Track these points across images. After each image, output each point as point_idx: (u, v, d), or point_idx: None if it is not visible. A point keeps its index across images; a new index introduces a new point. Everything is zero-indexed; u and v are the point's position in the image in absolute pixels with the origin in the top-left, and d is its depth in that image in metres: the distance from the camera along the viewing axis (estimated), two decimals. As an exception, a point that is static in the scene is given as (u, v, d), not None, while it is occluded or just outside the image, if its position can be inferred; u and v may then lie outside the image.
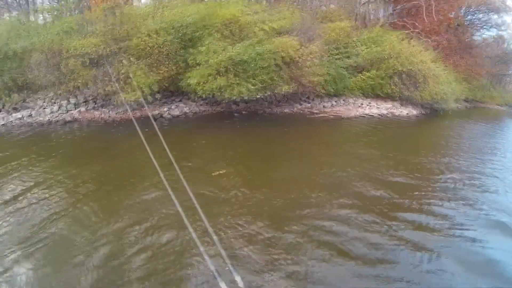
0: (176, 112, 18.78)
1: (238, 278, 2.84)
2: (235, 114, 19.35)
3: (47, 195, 9.05)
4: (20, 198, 8.93)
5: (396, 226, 7.51)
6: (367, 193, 9.31)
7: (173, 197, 4.20)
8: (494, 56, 40.45)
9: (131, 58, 17.85)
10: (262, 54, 17.38)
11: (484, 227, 7.74)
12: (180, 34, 18.17)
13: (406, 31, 26.02)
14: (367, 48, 22.58)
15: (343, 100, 22.31)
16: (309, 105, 21.25)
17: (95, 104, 18.95)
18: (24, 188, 9.53)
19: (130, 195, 9.04)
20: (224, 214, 7.84)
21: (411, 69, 21.81)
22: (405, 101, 23.38)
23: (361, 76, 22.23)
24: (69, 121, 17.67)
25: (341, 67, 21.37)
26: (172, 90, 19.45)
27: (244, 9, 19.22)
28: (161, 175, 4.59)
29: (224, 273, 5.06)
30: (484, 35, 39.03)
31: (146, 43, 17.53)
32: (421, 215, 8.18)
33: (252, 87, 17.33)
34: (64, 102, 18.82)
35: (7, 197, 8.97)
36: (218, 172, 10.15)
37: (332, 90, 21.06)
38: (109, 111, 18.42)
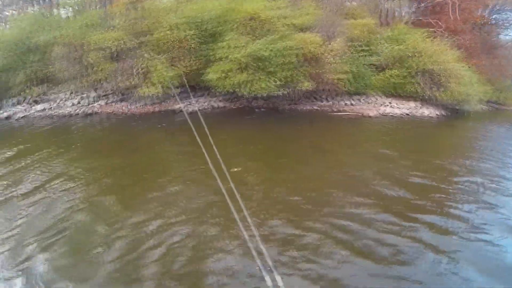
0: (196, 107, 18.67)
1: (278, 277, 2.67)
2: (256, 110, 19.22)
3: (67, 187, 9.09)
4: (41, 189, 9.00)
5: (414, 227, 7.36)
6: (386, 192, 9.12)
7: (220, 184, 4.08)
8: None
9: (151, 53, 17.87)
10: (282, 51, 17.16)
11: (503, 232, 7.48)
12: (201, 30, 18.12)
13: (431, 29, 25.47)
14: (390, 45, 22.15)
15: (364, 98, 21.88)
16: (330, 102, 20.91)
17: (116, 97, 19.04)
18: (44, 179, 9.61)
19: (149, 188, 9.01)
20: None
21: (434, 68, 21.31)
22: (426, 101, 22.83)
23: (384, 74, 21.82)
24: (90, 114, 17.82)
25: (363, 64, 21.01)
26: (192, 85, 19.40)
27: (267, 4, 19.00)
28: (210, 164, 4.45)
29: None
30: (510, 35, 37.92)
31: (168, 37, 17.50)
32: (440, 217, 7.98)
33: (273, 83, 17.12)
34: (84, 95, 18.99)
35: (28, 189, 9.05)
36: (236, 169, 10.01)
37: (353, 88, 20.71)
38: (129, 105, 18.48)
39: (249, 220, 3.54)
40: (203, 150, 5.14)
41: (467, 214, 8.23)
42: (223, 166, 4.38)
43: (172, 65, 17.71)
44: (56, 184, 9.28)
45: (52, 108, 18.35)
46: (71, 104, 18.57)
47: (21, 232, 6.95)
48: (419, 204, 8.61)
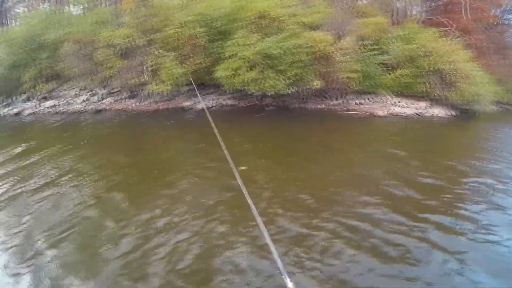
0: (204, 105, 18.68)
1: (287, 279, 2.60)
2: (265, 108, 19.11)
3: (75, 184, 9.07)
4: (50, 185, 8.99)
5: (422, 228, 7.22)
6: (395, 192, 8.96)
7: (238, 178, 4.01)
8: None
9: (161, 50, 17.89)
10: (292, 49, 17.03)
11: (512, 233, 7.34)
12: (211, 27, 18.10)
13: (443, 29, 25.19)
14: (401, 44, 21.93)
15: (373, 97, 21.72)
16: (339, 101, 20.74)
17: (125, 94, 19.10)
18: (53, 176, 9.61)
19: (157, 186, 8.94)
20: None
21: (445, 68, 21.07)
22: (437, 101, 22.58)
23: (395, 74, 21.61)
24: (99, 111, 17.90)
25: (374, 63, 20.82)
26: (202, 83, 19.39)
27: (277, 2, 18.89)
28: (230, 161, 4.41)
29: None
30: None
31: (178, 34, 17.50)
32: (449, 218, 7.81)
33: (282, 81, 16.99)
34: (94, 92, 19.06)
35: (37, 185, 9.06)
36: (243, 168, 9.95)
37: (363, 88, 20.55)
38: (138, 102, 18.53)
39: (258, 219, 3.46)
40: (222, 146, 5.07)
41: (476, 215, 8.07)
42: (231, 164, 4.31)
43: (182, 62, 17.69)
44: (65, 180, 9.28)
45: (61, 105, 18.48)
46: (80, 100, 18.68)
47: (29, 228, 6.95)
48: (428, 205, 8.46)
